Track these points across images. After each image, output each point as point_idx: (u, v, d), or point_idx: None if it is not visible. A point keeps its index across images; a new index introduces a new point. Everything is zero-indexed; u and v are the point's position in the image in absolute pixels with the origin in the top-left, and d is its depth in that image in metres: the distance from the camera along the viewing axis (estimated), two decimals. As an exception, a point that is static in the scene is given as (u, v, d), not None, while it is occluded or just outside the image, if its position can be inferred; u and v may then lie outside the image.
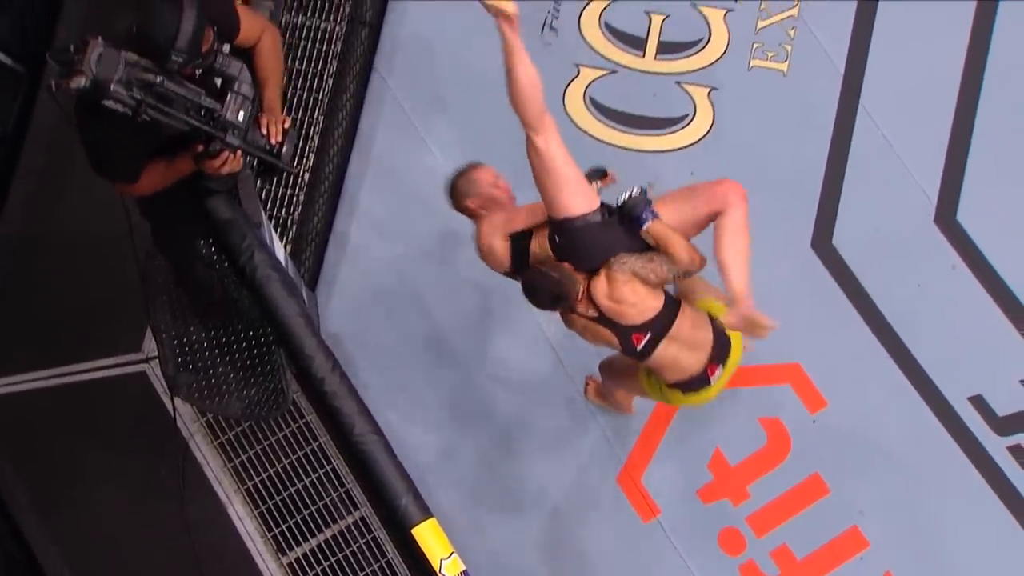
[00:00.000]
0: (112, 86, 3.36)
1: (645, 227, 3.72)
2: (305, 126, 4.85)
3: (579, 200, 3.72)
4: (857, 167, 4.71)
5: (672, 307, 3.84)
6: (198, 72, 3.55)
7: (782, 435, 4.65)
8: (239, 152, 3.64)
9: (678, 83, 4.81)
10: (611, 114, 4.82)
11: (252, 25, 3.74)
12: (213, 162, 3.64)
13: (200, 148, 3.62)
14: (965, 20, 4.74)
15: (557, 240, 3.80)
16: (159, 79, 3.41)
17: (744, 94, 4.78)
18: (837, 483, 4.59)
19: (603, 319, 3.83)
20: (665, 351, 3.84)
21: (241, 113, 3.53)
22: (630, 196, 3.74)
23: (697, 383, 3.92)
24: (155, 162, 3.74)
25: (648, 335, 3.81)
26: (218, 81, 3.56)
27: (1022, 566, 4.45)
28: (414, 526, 4.07)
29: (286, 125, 3.78)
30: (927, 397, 4.61)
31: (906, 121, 4.72)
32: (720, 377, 3.95)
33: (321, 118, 4.83)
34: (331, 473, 4.73)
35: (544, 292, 3.78)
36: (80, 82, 3.35)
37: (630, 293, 3.76)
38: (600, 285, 3.79)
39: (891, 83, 4.75)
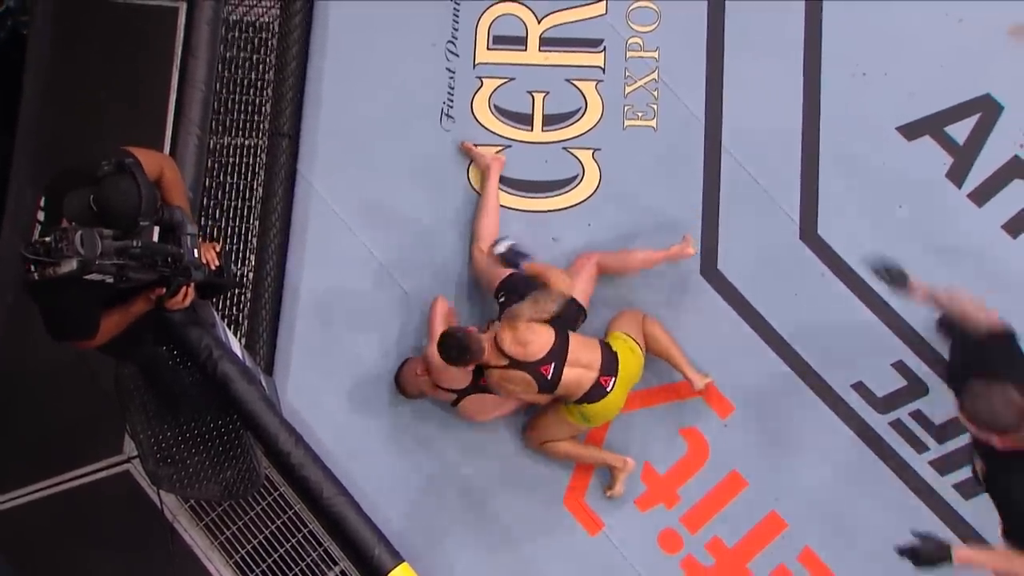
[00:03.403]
0: (97, 261, 3.48)
1: (523, 268, 4.66)
2: (243, 231, 5.01)
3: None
4: (729, 201, 5.07)
5: (563, 336, 4.55)
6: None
7: (700, 441, 4.96)
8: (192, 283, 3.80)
9: (565, 149, 5.16)
10: (511, 183, 5.12)
11: (150, 161, 3.74)
12: (176, 299, 3.80)
13: (162, 291, 3.74)
14: (797, 62, 5.13)
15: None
16: (135, 242, 3.57)
17: (623, 151, 5.13)
18: (753, 476, 4.92)
19: (513, 364, 4.47)
20: (569, 375, 4.53)
21: (195, 251, 3.74)
22: (504, 252, 4.74)
23: (596, 394, 4.60)
24: (109, 314, 3.77)
25: (553, 364, 4.49)
26: (156, 229, 3.68)
27: (912, 522, 4.61)
28: (389, 572, 4.37)
29: (217, 249, 3.98)
30: (817, 389, 4.95)
31: (763, 156, 5.07)
32: (616, 386, 4.60)
33: (256, 223, 5.03)
34: (309, 535, 4.85)
35: (452, 348, 4.47)
36: (71, 265, 3.44)
37: (530, 333, 4.48)
38: (506, 335, 4.47)
39: (746, 125, 5.10)
